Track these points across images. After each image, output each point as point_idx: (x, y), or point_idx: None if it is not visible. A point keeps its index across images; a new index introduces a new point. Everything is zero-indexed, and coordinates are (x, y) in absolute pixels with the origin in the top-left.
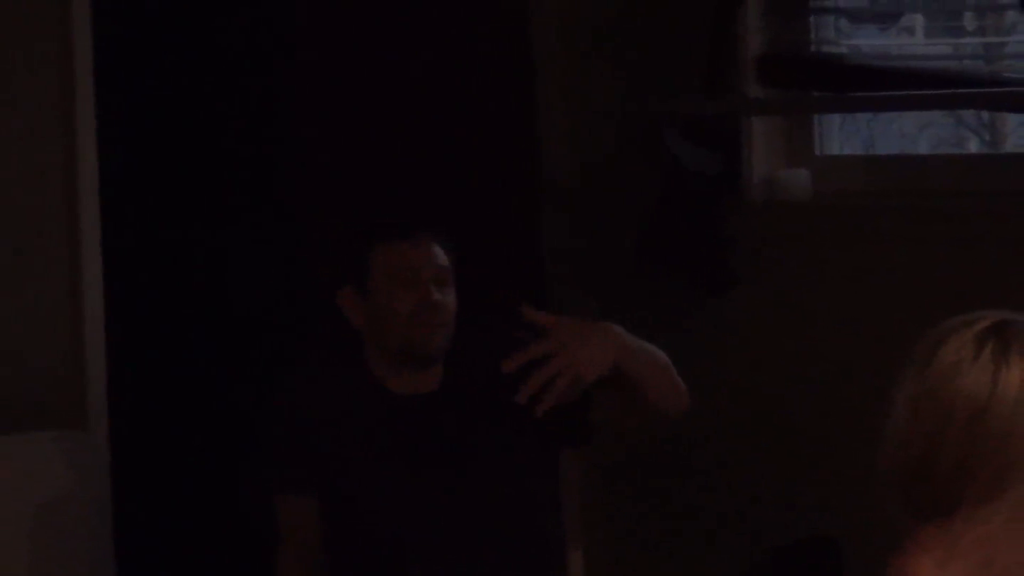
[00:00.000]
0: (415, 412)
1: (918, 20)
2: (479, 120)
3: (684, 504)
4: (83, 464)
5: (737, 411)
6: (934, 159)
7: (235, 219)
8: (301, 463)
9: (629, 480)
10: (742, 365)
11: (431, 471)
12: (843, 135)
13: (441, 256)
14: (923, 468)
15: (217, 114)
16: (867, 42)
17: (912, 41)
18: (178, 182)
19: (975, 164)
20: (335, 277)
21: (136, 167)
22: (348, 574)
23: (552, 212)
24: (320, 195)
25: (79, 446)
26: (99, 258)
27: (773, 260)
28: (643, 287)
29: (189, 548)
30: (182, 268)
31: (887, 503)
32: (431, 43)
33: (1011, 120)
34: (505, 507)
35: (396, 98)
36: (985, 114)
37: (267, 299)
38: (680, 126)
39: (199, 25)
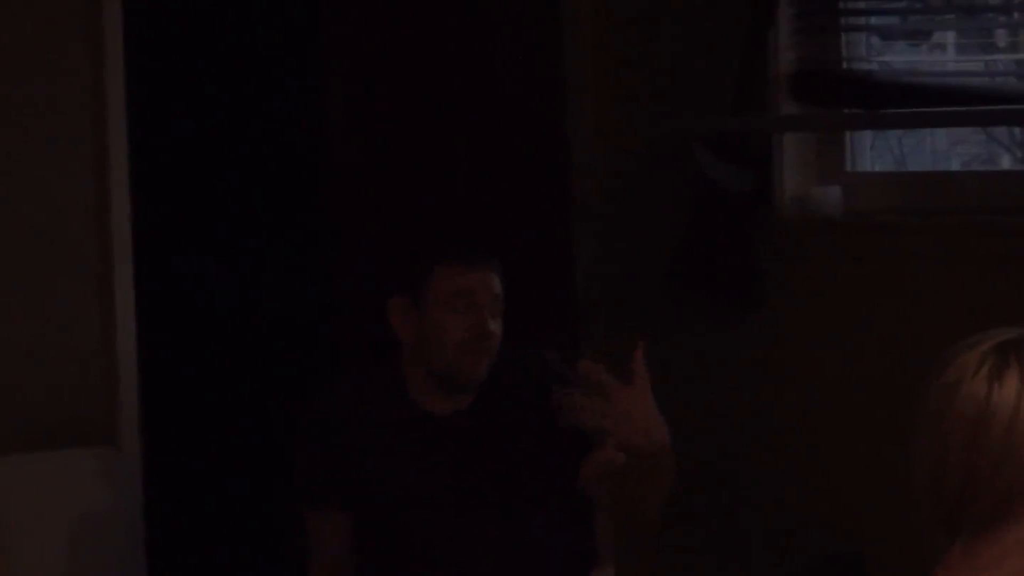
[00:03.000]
0: (446, 430)
1: (950, 37)
2: (512, 140)
3: (714, 520)
4: (116, 480)
5: (767, 428)
6: (966, 176)
7: (268, 234)
8: (332, 479)
9: None
10: (773, 382)
11: (461, 489)
12: (874, 152)
13: (497, 285)
14: (934, 487)
15: (250, 127)
16: (898, 59)
17: (944, 58)
18: (211, 197)
19: (1007, 181)
20: (384, 288)
21: (168, 181)
22: None
23: (583, 231)
24: (355, 215)
25: (112, 463)
26: (131, 276)
27: (804, 277)
28: (674, 305)
29: (221, 564)
30: (214, 284)
31: (919, 521)
32: (462, 65)
33: None
34: (536, 526)
35: (430, 117)
36: (1017, 131)
37: (299, 315)
38: (711, 144)
39: (233, 31)
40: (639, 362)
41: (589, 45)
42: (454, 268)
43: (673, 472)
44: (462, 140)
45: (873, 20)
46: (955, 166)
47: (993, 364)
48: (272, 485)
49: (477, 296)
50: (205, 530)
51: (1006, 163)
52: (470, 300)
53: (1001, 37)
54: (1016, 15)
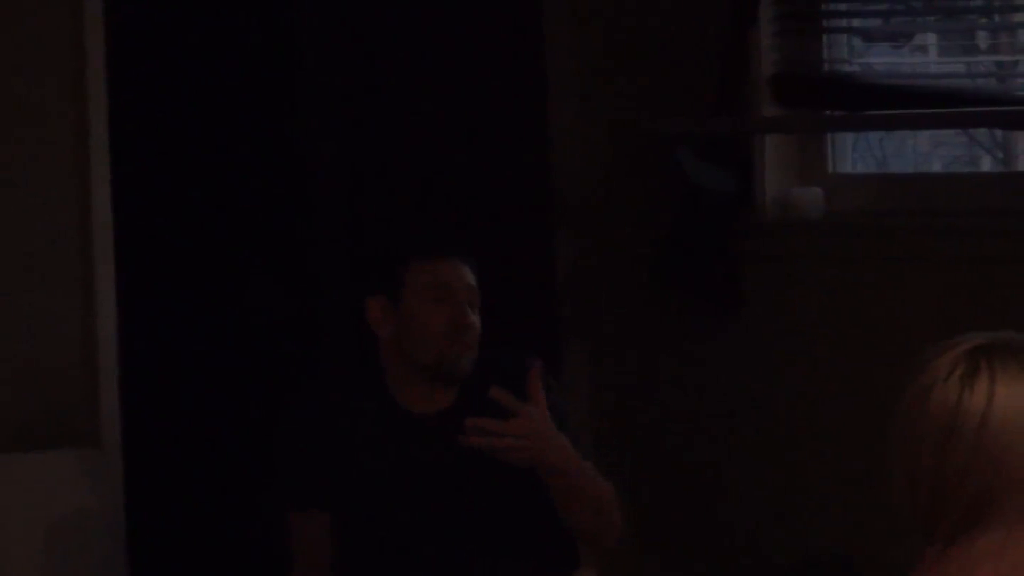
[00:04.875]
0: (428, 429)
1: (931, 39)
2: (492, 140)
3: (698, 522)
4: (97, 482)
5: (749, 429)
6: (947, 178)
7: (248, 238)
8: (314, 480)
9: (643, 500)
10: (754, 383)
11: (443, 488)
12: (856, 153)
13: (471, 277)
14: (909, 491)
15: (233, 127)
16: (880, 60)
17: (925, 60)
18: (191, 199)
19: (988, 182)
20: (360, 288)
21: (149, 182)
22: None
23: (565, 232)
24: (335, 213)
25: (93, 464)
26: (112, 278)
27: (785, 278)
28: (655, 307)
29: (202, 565)
30: (195, 286)
31: (900, 523)
32: (446, 62)
33: None
34: (518, 525)
35: (410, 118)
36: (998, 132)
37: (280, 316)
38: (693, 145)
39: (214, 33)
40: (535, 383)
41: (570, 45)
42: (429, 261)
43: (601, 490)
44: (443, 141)
45: (855, 22)
46: (936, 168)
47: (965, 369)
48: (254, 485)
49: (453, 287)
50: (186, 530)
51: (987, 165)
52: (447, 291)
53: (982, 39)
54: (997, 17)
